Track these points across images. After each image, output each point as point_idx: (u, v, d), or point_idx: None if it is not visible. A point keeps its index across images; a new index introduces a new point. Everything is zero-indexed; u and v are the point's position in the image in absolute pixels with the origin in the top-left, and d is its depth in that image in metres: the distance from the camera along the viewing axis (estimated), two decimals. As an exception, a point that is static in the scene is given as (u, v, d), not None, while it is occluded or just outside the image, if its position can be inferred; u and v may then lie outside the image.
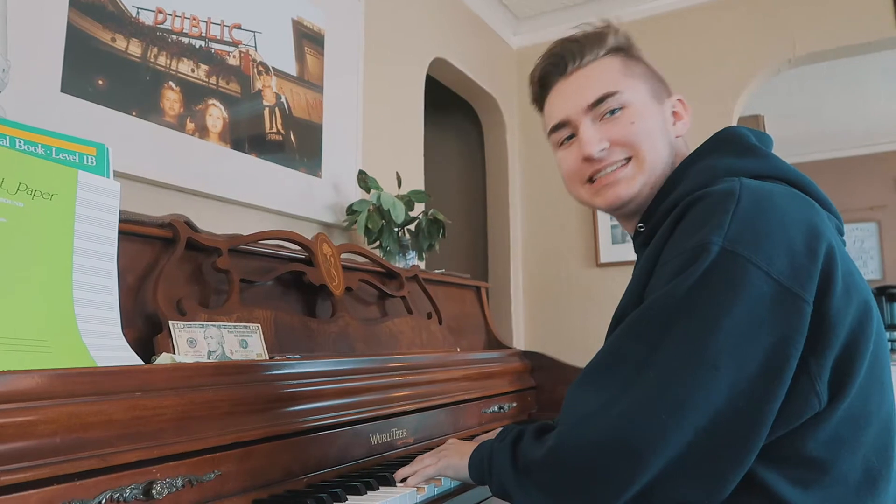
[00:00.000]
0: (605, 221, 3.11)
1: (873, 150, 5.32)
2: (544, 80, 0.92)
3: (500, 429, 0.88)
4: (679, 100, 0.91)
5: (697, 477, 0.67)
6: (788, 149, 5.33)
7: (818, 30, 2.75)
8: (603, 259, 3.10)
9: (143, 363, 0.87)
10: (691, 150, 0.88)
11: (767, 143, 0.84)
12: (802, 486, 0.67)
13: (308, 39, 2.03)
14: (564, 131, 0.90)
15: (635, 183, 0.85)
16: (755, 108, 4.27)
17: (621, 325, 0.74)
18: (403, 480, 0.97)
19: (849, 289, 0.69)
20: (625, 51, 0.90)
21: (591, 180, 0.89)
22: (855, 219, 5.27)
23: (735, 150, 0.82)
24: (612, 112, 0.86)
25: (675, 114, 0.90)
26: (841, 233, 0.82)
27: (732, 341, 0.65)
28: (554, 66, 0.90)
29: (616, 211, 0.89)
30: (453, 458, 0.94)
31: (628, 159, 0.86)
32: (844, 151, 5.42)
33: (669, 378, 0.66)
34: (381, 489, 0.93)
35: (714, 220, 0.68)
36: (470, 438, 1.09)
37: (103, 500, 0.68)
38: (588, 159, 0.87)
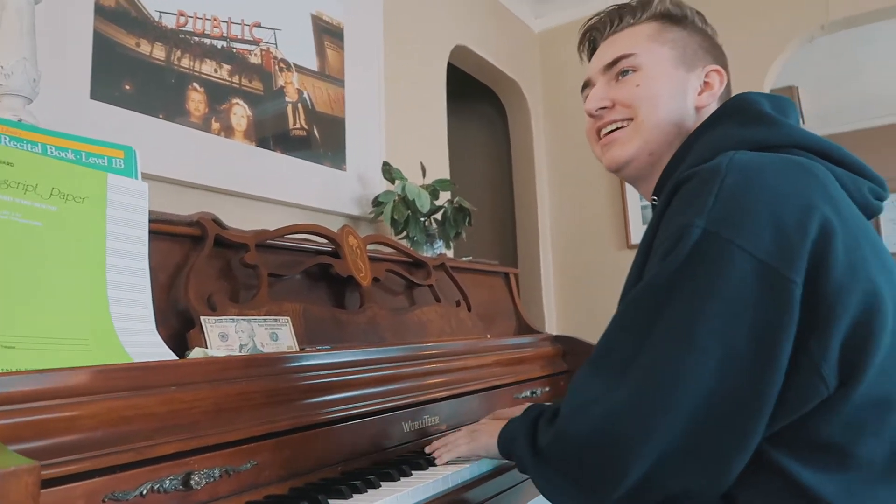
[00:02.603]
0: (634, 203, 3.07)
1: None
2: (590, 42, 0.98)
3: (527, 406, 0.89)
4: (716, 70, 0.89)
5: (697, 464, 0.66)
6: (826, 119, 5.16)
7: (851, -6, 2.66)
8: (633, 241, 3.06)
9: (178, 358, 0.89)
10: None
11: (784, 109, 0.81)
12: (823, 471, 0.64)
13: (327, 34, 2.04)
14: (588, 90, 0.95)
15: (630, 145, 0.87)
16: (788, 79, 4.15)
17: (616, 311, 0.73)
18: (435, 461, 0.99)
19: (854, 265, 0.65)
20: (669, 17, 0.91)
21: (599, 137, 0.92)
22: (897, 189, 5.08)
23: (742, 120, 0.79)
24: (624, 73, 0.89)
25: (705, 84, 0.88)
26: (880, 198, 0.78)
27: (719, 325, 0.63)
28: (596, 29, 0.96)
29: (617, 173, 0.92)
30: (483, 437, 0.96)
31: (629, 120, 0.88)
32: (884, 119, 5.23)
33: (659, 365, 0.65)
34: (414, 474, 0.95)
35: (698, 201, 0.67)
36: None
37: (144, 491, 0.70)
38: (590, 115, 0.92)
